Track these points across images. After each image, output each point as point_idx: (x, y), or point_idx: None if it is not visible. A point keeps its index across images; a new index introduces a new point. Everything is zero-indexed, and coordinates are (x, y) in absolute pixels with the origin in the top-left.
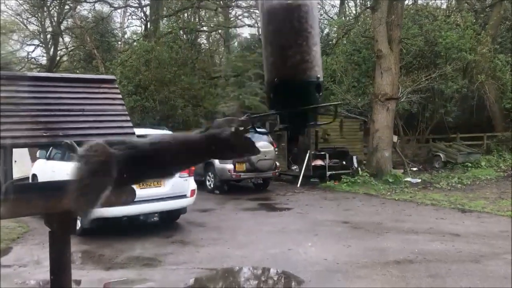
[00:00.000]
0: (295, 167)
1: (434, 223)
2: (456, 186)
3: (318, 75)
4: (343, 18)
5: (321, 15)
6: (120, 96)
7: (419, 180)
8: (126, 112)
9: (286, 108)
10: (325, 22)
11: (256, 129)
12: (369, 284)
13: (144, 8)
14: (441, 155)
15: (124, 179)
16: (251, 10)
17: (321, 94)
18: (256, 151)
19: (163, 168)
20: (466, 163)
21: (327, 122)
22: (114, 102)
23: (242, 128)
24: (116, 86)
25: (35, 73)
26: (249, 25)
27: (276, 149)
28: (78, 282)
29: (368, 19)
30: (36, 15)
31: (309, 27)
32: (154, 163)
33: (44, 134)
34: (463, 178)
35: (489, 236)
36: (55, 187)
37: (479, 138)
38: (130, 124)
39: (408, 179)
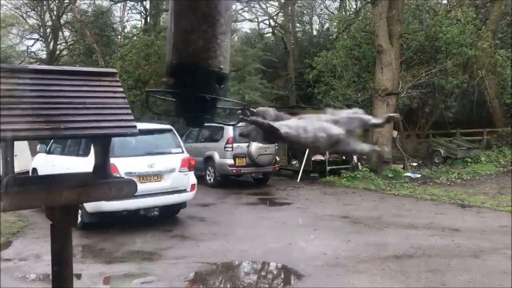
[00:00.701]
0: (295, 162)
1: (434, 218)
2: (455, 181)
3: (222, 66)
4: (343, 13)
5: (321, 10)
6: (121, 89)
7: (419, 175)
8: (128, 106)
9: (182, 94)
10: (325, 17)
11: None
12: (368, 278)
13: (144, 2)
14: (441, 150)
15: None
16: (251, 5)
17: (222, 86)
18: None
19: None
20: (466, 158)
21: (232, 124)
22: (115, 95)
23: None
24: (117, 79)
25: (36, 66)
26: (249, 20)
27: (276, 144)
28: (79, 276)
29: (368, 14)
30: (36, 9)
31: (218, 14)
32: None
33: (45, 127)
34: (463, 173)
35: (489, 231)
36: (56, 180)
37: (479, 133)
38: (131, 117)
39: (408, 174)
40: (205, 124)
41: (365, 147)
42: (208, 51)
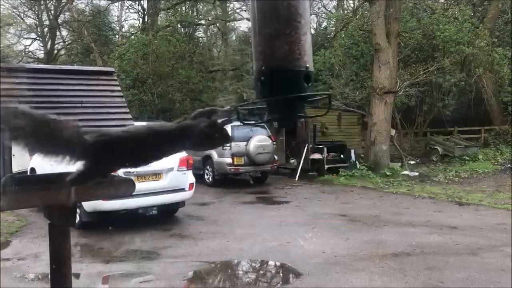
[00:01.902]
0: (293, 160)
1: (432, 216)
2: (453, 179)
3: (307, 65)
4: (341, 11)
5: (319, 8)
6: (119, 88)
7: (417, 173)
8: (125, 104)
9: (273, 97)
10: (323, 16)
11: (243, 121)
12: (367, 276)
13: (142, 2)
14: (438, 148)
15: (96, 166)
16: (249, 4)
17: (310, 84)
18: (227, 141)
19: (135, 156)
20: (464, 157)
21: (320, 115)
22: (113, 94)
23: (222, 119)
24: (115, 78)
25: (34, 65)
26: (247, 19)
27: (274, 143)
28: (77, 276)
29: (366, 12)
30: (33, 8)
31: (299, 17)
32: (126, 151)
33: None
34: (460, 171)
35: (486, 229)
36: (54, 179)
37: (476, 131)
38: (129, 116)
39: (406, 172)
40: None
41: None
42: (294, 53)
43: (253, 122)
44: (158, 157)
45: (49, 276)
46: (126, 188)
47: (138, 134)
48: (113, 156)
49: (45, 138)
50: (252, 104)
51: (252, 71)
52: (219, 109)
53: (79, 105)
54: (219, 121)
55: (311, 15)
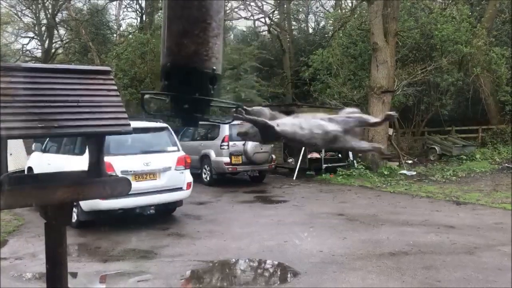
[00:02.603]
0: (291, 160)
1: (429, 215)
2: (451, 179)
3: (214, 67)
4: (339, 11)
5: (317, 7)
6: (115, 87)
7: (414, 173)
8: (122, 104)
9: (176, 95)
10: (321, 15)
11: (148, 112)
12: (364, 275)
13: (140, 0)
14: (436, 147)
15: None
16: (247, 3)
17: (215, 86)
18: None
19: None
20: (461, 156)
21: (227, 122)
22: (109, 94)
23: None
24: (112, 77)
25: (30, 64)
26: (245, 18)
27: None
28: (75, 275)
29: (364, 11)
30: (31, 7)
31: (209, 18)
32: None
33: (39, 126)
34: (458, 171)
35: (483, 228)
36: (50, 179)
37: (474, 131)
38: (125, 115)
39: (403, 171)
40: (201, 123)
41: (364, 145)
42: (201, 54)
43: (156, 113)
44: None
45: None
46: (122, 187)
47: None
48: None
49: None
50: (158, 96)
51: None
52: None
53: (75, 104)
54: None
55: (308, 14)
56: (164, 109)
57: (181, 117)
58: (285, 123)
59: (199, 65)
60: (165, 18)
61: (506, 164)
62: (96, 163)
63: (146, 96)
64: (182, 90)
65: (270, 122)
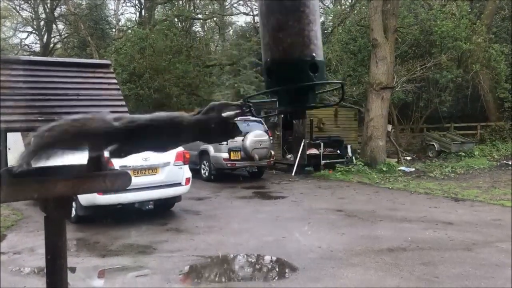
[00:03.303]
0: (290, 156)
1: (427, 212)
2: (449, 175)
3: (314, 54)
4: (338, 6)
5: None
6: (115, 81)
7: (413, 169)
8: (122, 97)
9: (280, 90)
10: (320, 11)
11: (254, 114)
12: (362, 271)
13: None
14: (435, 144)
15: (119, 149)
16: None
17: (317, 74)
18: (236, 134)
19: (156, 143)
20: (460, 153)
21: (332, 104)
22: (109, 87)
23: (233, 113)
24: (112, 71)
25: (29, 57)
26: (244, 13)
27: (271, 138)
28: (74, 269)
29: (363, 7)
30: (29, 1)
31: (302, 5)
32: (149, 137)
33: (39, 119)
34: (456, 167)
35: (482, 225)
36: (50, 172)
37: (473, 127)
38: (125, 109)
39: (402, 168)
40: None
41: None
42: (298, 44)
43: (264, 115)
44: (175, 145)
45: (45, 269)
46: (122, 181)
47: (160, 122)
48: (137, 142)
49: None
50: (262, 97)
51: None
52: (231, 103)
53: (75, 97)
54: (231, 114)
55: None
56: (265, 109)
57: (289, 112)
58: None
59: (298, 55)
60: (261, 14)
61: (505, 161)
62: (96, 157)
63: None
64: (285, 83)
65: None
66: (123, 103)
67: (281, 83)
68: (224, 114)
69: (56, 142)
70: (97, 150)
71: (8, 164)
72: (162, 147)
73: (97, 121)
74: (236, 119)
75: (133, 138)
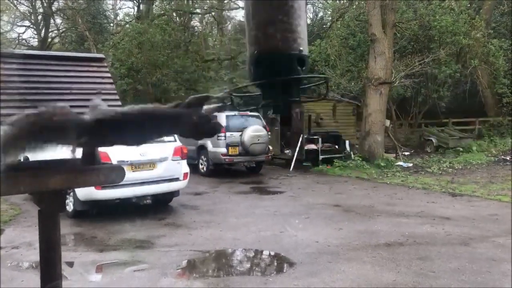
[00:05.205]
0: (288, 151)
1: (425, 207)
2: (447, 170)
3: (301, 48)
4: (337, 1)
5: None
6: (109, 74)
7: (411, 164)
8: (115, 91)
9: (266, 82)
10: (319, 6)
11: (237, 108)
12: (359, 265)
13: None
14: (433, 139)
15: (89, 141)
16: None
17: (304, 68)
18: (217, 132)
19: (129, 135)
20: (458, 148)
21: (315, 99)
22: (103, 81)
23: (214, 107)
24: (105, 64)
25: (23, 51)
26: (243, 8)
27: (269, 133)
28: (71, 264)
29: (362, 2)
30: None
31: (290, 1)
32: (120, 131)
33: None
34: (454, 163)
35: (479, 220)
36: (44, 166)
37: (471, 123)
38: (119, 103)
39: (400, 163)
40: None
41: None
42: (286, 38)
43: (247, 109)
44: (150, 138)
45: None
46: (116, 174)
47: (130, 115)
48: (107, 135)
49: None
50: (245, 91)
51: (246, 58)
52: (213, 95)
53: (69, 91)
54: (210, 108)
55: (307, 4)
56: (254, 104)
57: (273, 106)
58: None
59: (286, 49)
60: (247, 9)
61: (503, 156)
62: (90, 151)
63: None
64: (271, 76)
65: None
66: (117, 96)
67: (269, 76)
68: (205, 107)
69: (24, 135)
70: (67, 143)
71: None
72: (137, 140)
73: (66, 113)
74: (215, 114)
75: (103, 131)
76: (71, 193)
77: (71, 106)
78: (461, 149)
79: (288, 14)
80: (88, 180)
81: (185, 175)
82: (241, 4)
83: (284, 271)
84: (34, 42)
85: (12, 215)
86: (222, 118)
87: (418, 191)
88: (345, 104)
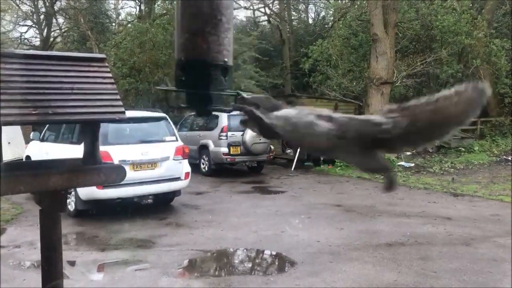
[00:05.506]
0: (289, 150)
1: (426, 207)
2: (449, 171)
3: (226, 59)
4: (339, 1)
5: None
6: (110, 75)
7: (412, 164)
8: (117, 91)
9: (191, 88)
10: (321, 5)
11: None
12: (360, 265)
13: None
14: None
15: None
16: None
17: (226, 78)
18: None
19: None
20: (459, 148)
21: (228, 110)
22: (104, 81)
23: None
24: (107, 65)
25: (24, 51)
26: (244, 7)
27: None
28: (73, 263)
29: (364, 2)
30: None
31: (219, 14)
32: None
33: (33, 112)
34: (456, 163)
35: (480, 220)
36: (45, 166)
37: (472, 122)
38: (120, 103)
39: (402, 163)
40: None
41: (377, 164)
42: (213, 49)
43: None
44: None
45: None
46: (117, 174)
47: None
48: None
49: None
50: (173, 92)
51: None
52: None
53: (70, 91)
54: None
55: (309, 4)
56: (180, 101)
57: (196, 110)
58: (279, 116)
59: (211, 59)
60: (177, 14)
61: (504, 157)
62: (91, 151)
63: (158, 88)
64: (196, 83)
65: (260, 113)
66: (118, 96)
67: (191, 81)
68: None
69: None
70: None
71: (8, 159)
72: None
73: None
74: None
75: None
76: (73, 193)
77: (71, 106)
78: (463, 149)
79: (216, 27)
80: (89, 180)
81: (187, 174)
82: (243, 3)
83: (285, 270)
84: (36, 42)
85: (14, 214)
86: (224, 117)
87: (420, 191)
88: (347, 104)
